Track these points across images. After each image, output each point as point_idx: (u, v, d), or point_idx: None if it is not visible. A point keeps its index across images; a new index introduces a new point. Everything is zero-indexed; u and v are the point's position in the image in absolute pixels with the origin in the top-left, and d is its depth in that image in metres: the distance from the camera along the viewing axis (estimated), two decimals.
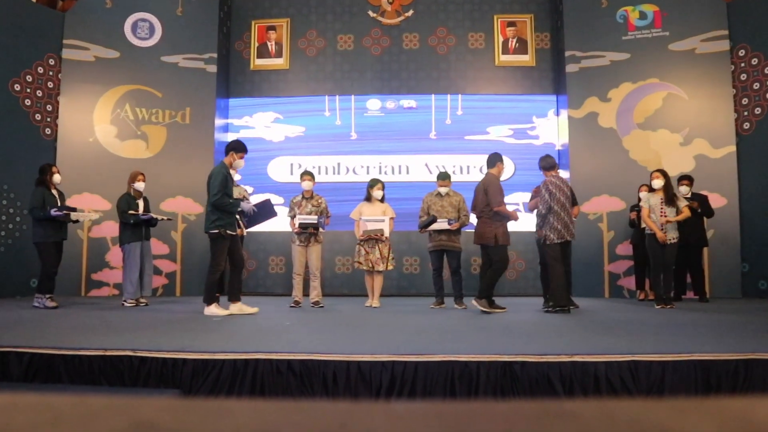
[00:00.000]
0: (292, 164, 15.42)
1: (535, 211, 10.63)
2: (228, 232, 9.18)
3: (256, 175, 15.09)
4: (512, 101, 15.41)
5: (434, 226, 10.99)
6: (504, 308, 10.07)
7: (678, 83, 13.97)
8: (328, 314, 9.43)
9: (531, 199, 11.07)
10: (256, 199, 12.56)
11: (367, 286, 11.42)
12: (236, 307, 9.34)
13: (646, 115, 14.02)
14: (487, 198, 9.99)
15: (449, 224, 10.91)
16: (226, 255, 9.33)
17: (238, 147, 9.53)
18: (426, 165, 15.22)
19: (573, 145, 14.15)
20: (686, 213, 10.64)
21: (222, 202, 9.09)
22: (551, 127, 15.27)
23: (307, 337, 6.40)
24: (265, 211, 9.78)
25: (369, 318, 8.80)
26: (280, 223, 13.51)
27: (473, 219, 10.72)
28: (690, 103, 13.88)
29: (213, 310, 9.11)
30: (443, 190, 11.24)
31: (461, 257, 11.23)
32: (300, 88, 15.71)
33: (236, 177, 11.71)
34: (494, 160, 10.42)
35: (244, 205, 9.40)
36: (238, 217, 9.77)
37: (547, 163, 10.19)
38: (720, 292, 13.29)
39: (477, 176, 14.50)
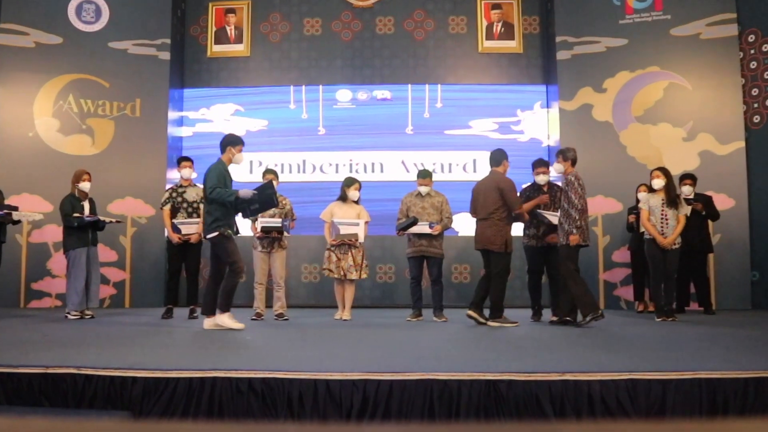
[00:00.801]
0: (252, 162, 15.35)
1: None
2: (229, 231, 9.05)
3: None
4: (497, 92, 15.45)
5: (414, 229, 10.98)
6: (516, 322, 9.95)
7: (681, 72, 14.03)
8: (293, 328, 9.43)
9: (524, 201, 10.80)
10: None
11: (337, 296, 11.42)
12: (211, 322, 9.06)
13: (645, 108, 14.09)
14: (504, 199, 9.86)
15: (430, 228, 10.92)
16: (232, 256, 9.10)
17: (235, 140, 9.34)
18: (402, 162, 15.23)
19: (564, 140, 14.03)
20: (682, 223, 10.63)
21: (218, 194, 8.94)
22: (540, 121, 15.33)
23: (270, 353, 6.40)
24: (264, 196, 9.49)
25: (339, 332, 8.80)
26: (239, 226, 13.47)
27: (456, 223, 10.68)
28: (694, 94, 13.94)
29: (226, 320, 8.93)
30: (424, 189, 11.23)
31: (443, 265, 11.26)
32: (262, 77, 15.69)
33: (191, 174, 11.62)
34: (500, 157, 10.29)
35: (241, 192, 9.13)
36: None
37: (575, 156, 10.02)
38: (727, 303, 13.33)
39: (459, 175, 14.57)
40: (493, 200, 9.90)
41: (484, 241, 10.02)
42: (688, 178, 12.31)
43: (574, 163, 9.98)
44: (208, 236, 9.09)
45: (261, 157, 15.31)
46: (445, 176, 14.86)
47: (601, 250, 13.94)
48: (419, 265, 11.19)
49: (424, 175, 11.30)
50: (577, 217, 9.63)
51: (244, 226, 10.63)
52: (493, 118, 15.34)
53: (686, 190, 12.07)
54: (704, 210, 12.10)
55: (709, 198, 12.45)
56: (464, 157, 15.06)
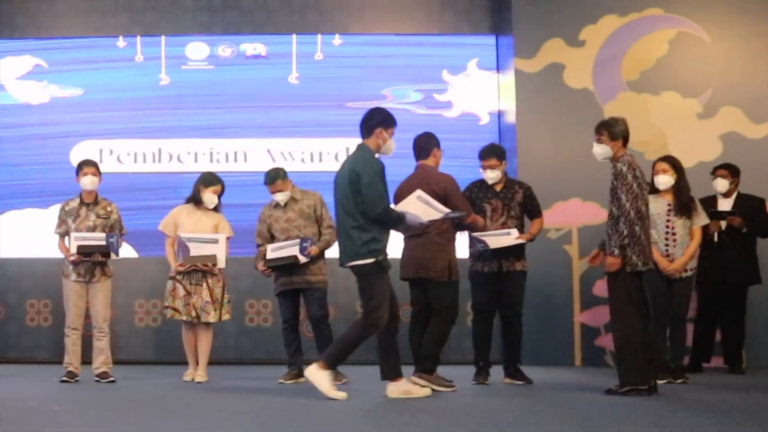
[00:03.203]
0: (102, 150, 14.92)
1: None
2: (387, 261, 8.86)
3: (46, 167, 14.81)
4: (424, 46, 15.38)
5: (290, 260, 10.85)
6: (452, 385, 9.76)
7: (694, 17, 13.97)
8: (121, 393, 9.46)
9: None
10: None
11: (187, 347, 11.37)
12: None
13: (642, 69, 14.02)
14: (447, 205, 9.44)
15: (302, 252, 10.70)
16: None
17: (388, 118, 9.20)
18: (268, 151, 14.93)
19: (522, 116, 14.01)
20: (697, 240, 10.63)
21: (388, 214, 8.75)
22: (479, 88, 15.22)
23: (87, 431, 6.33)
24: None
25: (190, 400, 8.80)
26: (41, 245, 13.29)
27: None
28: (714, 50, 13.93)
29: (404, 386, 8.82)
30: (281, 197, 10.98)
31: (326, 296, 11.18)
32: (76, 24, 15.32)
33: None
34: (428, 145, 10.18)
35: (409, 218, 8.90)
36: None
37: (625, 130, 9.24)
38: (763, 358, 13.07)
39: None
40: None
41: (416, 266, 9.83)
42: (725, 168, 11.99)
43: (625, 141, 9.27)
44: (360, 262, 8.76)
45: (75, 143, 14.99)
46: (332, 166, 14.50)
47: (577, 280, 13.64)
48: (292, 303, 11.07)
49: (272, 179, 11.02)
50: (624, 231, 8.82)
51: (49, 244, 10.50)
52: (416, 84, 15.20)
53: (720, 186, 11.87)
54: (745, 225, 11.70)
55: (761, 202, 12.13)
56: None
